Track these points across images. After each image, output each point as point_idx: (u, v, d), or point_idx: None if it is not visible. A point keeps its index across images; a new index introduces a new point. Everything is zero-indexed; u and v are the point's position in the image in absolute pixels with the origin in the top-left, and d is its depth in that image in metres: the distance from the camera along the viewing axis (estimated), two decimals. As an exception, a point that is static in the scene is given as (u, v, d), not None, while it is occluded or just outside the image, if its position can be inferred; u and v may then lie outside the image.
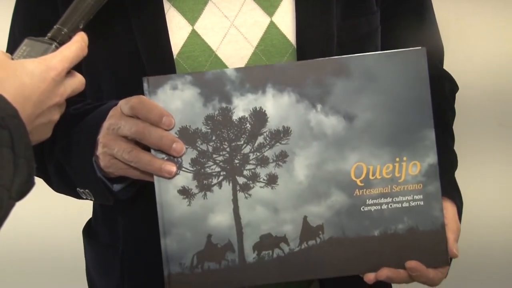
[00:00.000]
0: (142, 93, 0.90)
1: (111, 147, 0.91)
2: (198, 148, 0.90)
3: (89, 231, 1.16)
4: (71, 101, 0.90)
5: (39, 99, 0.79)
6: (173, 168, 0.89)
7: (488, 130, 1.98)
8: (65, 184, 1.03)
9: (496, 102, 1.96)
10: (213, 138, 0.90)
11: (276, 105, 0.89)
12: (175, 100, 0.89)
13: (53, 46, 0.84)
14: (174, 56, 0.98)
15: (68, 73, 0.83)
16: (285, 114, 0.90)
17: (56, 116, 0.84)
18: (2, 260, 2.07)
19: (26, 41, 0.85)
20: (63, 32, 0.86)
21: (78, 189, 1.01)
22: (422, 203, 0.91)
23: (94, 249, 1.14)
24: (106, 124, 0.92)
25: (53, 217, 2.01)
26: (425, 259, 0.91)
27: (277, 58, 0.99)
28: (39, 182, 1.06)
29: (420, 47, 0.90)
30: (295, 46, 1.00)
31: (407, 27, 1.11)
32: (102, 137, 0.92)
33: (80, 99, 1.02)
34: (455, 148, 1.12)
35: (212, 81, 0.89)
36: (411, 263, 0.90)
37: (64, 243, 1.98)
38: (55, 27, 0.86)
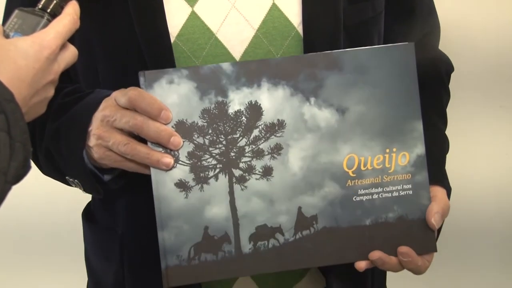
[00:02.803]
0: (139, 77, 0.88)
1: (106, 139, 0.90)
2: (195, 142, 0.91)
3: (88, 214, 1.14)
4: (59, 87, 0.88)
5: (33, 79, 0.78)
6: (171, 160, 0.89)
7: (489, 112, 1.96)
8: (55, 170, 1.01)
9: (498, 84, 1.95)
10: (209, 131, 0.91)
11: (271, 99, 0.91)
12: (171, 94, 0.90)
13: (45, 19, 0.83)
14: (173, 39, 0.96)
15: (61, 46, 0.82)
16: (279, 107, 0.91)
17: (50, 92, 0.82)
18: (1, 244, 2.03)
19: (16, 12, 0.83)
20: (54, 2, 0.84)
21: (67, 178, 1.00)
22: (410, 192, 0.94)
23: (93, 233, 1.12)
24: (99, 116, 0.91)
25: (53, 200, 1.97)
26: (415, 246, 0.94)
27: (279, 41, 0.98)
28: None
29: (408, 42, 0.93)
30: (297, 29, 0.98)
31: (406, 10, 1.11)
32: (95, 128, 0.91)
33: (65, 85, 1.00)
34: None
35: (208, 75, 0.90)
36: (403, 248, 0.93)
37: (63, 227, 1.96)
38: None
